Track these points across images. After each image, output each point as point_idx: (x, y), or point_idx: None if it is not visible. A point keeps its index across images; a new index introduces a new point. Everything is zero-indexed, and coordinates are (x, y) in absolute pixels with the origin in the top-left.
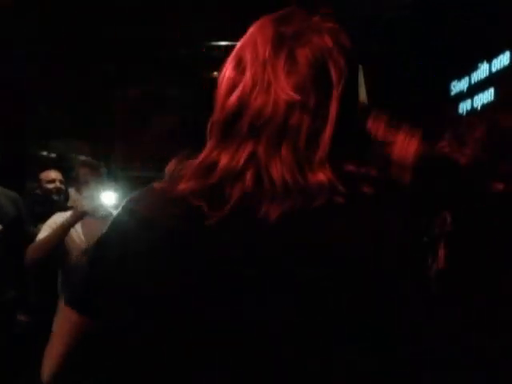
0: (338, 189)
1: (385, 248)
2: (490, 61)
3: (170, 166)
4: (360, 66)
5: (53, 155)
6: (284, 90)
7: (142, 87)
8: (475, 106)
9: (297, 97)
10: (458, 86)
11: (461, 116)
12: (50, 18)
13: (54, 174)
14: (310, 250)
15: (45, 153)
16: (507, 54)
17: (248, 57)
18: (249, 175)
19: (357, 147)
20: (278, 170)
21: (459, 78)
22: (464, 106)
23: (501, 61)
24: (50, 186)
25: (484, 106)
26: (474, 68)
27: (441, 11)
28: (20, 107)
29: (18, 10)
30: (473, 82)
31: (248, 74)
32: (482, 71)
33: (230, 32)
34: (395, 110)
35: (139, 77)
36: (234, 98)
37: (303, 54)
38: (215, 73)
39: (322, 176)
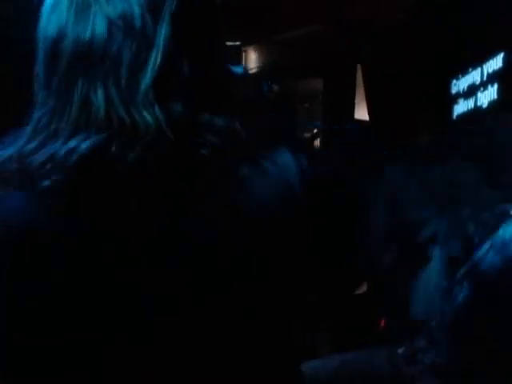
0: (165, 135)
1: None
2: (488, 61)
3: None
4: (358, 66)
5: None
6: (103, 10)
7: None
8: (474, 105)
9: (118, 21)
10: (458, 85)
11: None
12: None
13: None
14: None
15: None
16: (503, 54)
17: None
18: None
19: (209, 93)
20: (104, 111)
21: (458, 77)
22: (463, 106)
23: (499, 61)
24: None
25: (483, 106)
26: (474, 68)
27: (439, 12)
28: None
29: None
30: (472, 81)
31: None
32: (481, 71)
33: (230, 32)
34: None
35: None
36: (52, 25)
37: None
38: None
39: (147, 116)
